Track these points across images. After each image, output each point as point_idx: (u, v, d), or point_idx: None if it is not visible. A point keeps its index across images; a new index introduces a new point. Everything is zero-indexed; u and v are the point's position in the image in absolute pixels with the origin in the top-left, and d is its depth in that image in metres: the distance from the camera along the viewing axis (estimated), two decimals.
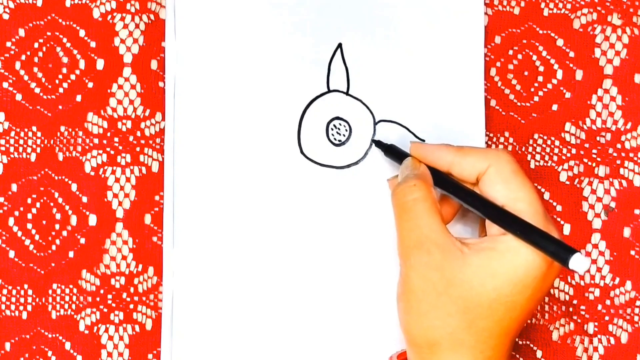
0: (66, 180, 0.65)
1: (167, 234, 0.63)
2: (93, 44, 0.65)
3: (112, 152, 0.65)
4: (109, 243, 0.65)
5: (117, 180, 0.65)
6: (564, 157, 0.66)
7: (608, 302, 0.65)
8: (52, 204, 0.65)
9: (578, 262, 0.50)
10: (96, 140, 0.65)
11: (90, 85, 0.65)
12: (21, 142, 0.65)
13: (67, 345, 0.64)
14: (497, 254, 0.53)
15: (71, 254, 0.64)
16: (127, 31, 0.65)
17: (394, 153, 0.62)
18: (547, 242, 0.52)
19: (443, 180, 0.58)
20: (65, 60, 0.65)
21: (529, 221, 0.53)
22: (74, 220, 0.65)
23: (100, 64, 0.65)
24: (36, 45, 0.65)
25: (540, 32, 0.66)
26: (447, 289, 0.53)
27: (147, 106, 0.65)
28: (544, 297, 0.55)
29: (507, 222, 0.54)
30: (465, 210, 0.61)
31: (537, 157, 0.66)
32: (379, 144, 0.63)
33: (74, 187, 0.65)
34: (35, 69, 0.65)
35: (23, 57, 0.65)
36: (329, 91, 0.64)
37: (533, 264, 0.53)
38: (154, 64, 0.65)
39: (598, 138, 0.66)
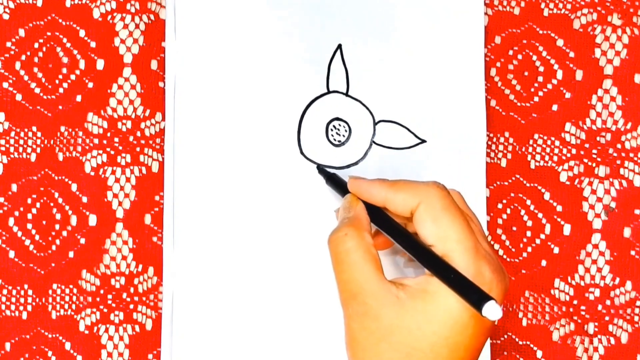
0: (66, 180, 0.65)
1: (167, 234, 0.63)
2: (93, 44, 0.65)
3: (112, 152, 0.65)
4: (109, 243, 0.65)
5: (117, 180, 0.65)
6: (564, 157, 0.66)
7: (608, 302, 0.65)
8: (52, 204, 0.65)
9: (491, 310, 0.49)
10: (96, 140, 0.65)
11: (90, 85, 0.65)
12: (21, 142, 0.65)
13: (67, 345, 0.64)
14: (430, 297, 0.52)
15: (71, 254, 0.64)
16: (127, 31, 0.65)
17: (336, 183, 0.61)
18: (463, 286, 0.51)
19: (378, 217, 0.56)
20: (65, 60, 0.65)
21: (459, 260, 0.52)
22: (74, 220, 0.65)
23: (100, 64, 0.65)
24: (36, 45, 0.65)
25: (540, 32, 0.66)
26: (387, 337, 0.52)
27: (147, 106, 0.65)
28: (489, 331, 0.53)
29: (431, 264, 0.52)
30: None
31: (537, 157, 0.66)
32: (321, 171, 0.63)
33: (74, 187, 0.65)
34: (35, 69, 0.65)
35: (23, 57, 0.65)
36: (329, 92, 0.64)
37: (466, 303, 0.51)
38: (154, 64, 0.65)
39: (598, 138, 0.66)
